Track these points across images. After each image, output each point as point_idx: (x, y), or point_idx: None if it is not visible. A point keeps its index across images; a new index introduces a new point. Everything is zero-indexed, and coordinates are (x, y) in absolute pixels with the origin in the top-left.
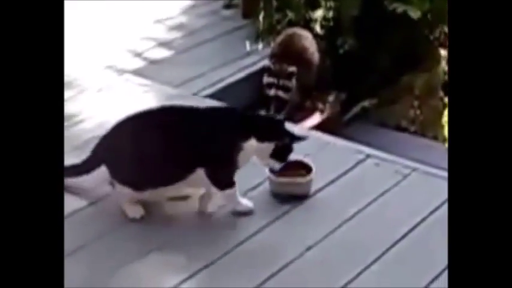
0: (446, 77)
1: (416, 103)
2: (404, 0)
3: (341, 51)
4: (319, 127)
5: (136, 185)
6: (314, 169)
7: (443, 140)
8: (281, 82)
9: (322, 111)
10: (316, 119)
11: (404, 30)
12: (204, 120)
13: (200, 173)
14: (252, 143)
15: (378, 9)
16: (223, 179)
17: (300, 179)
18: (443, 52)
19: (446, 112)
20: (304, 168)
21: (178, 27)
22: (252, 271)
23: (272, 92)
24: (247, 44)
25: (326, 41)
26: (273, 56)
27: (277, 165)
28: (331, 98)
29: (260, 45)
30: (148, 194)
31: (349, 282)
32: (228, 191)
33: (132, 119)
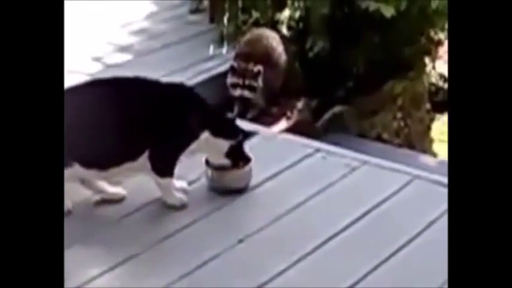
0: (432, 88)
1: (399, 114)
2: None
3: (311, 54)
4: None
5: (85, 162)
6: (252, 160)
7: (433, 155)
8: (246, 82)
9: (289, 118)
10: (282, 125)
11: (381, 31)
12: (160, 97)
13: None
14: (206, 135)
15: (350, 8)
16: (164, 165)
17: (236, 172)
18: (428, 60)
19: (434, 126)
20: (242, 160)
21: (141, 31)
22: (174, 264)
23: (237, 92)
24: (211, 47)
25: (294, 43)
26: (237, 56)
27: (230, 165)
28: (300, 105)
29: (224, 49)
30: (95, 174)
31: (275, 276)
32: (164, 180)
33: (78, 89)
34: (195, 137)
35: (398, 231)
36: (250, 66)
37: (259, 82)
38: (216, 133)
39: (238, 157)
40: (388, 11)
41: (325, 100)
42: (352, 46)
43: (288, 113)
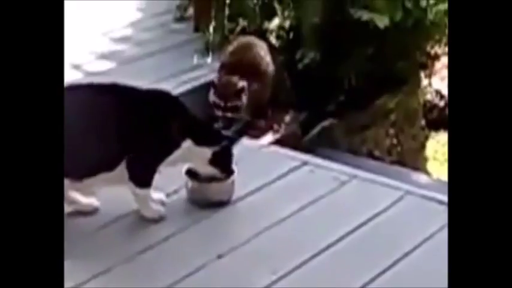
0: (427, 104)
1: (392, 130)
2: (371, 8)
3: (300, 65)
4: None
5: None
6: (235, 172)
7: (427, 174)
8: (228, 104)
9: (276, 131)
10: (268, 139)
11: (374, 43)
12: (138, 103)
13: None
14: (188, 144)
15: (342, 18)
16: (142, 174)
17: (218, 184)
18: (423, 74)
19: (428, 144)
20: (225, 169)
21: (124, 39)
22: (150, 279)
23: (219, 113)
24: (195, 57)
25: (283, 53)
26: (222, 67)
27: (218, 174)
28: (288, 118)
29: (209, 58)
30: (68, 185)
31: None
32: (141, 191)
33: None
34: (176, 145)
35: (389, 247)
36: (233, 82)
37: (243, 99)
38: (198, 141)
39: (223, 164)
40: (382, 22)
41: (314, 113)
42: (344, 58)
43: (275, 126)
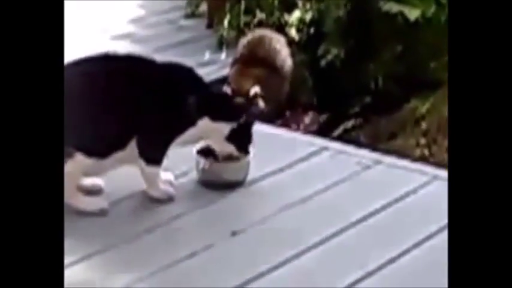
0: None
1: (423, 141)
2: (402, 1)
3: (323, 62)
4: None
5: (87, 150)
6: (251, 153)
7: None
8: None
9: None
10: None
11: (405, 40)
12: (153, 77)
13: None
14: (205, 122)
15: (369, 11)
16: (153, 151)
17: (233, 163)
18: None
19: None
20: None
21: (126, 36)
22: (159, 255)
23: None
24: (207, 53)
25: (304, 49)
26: (236, 61)
27: (234, 152)
28: (307, 119)
29: (223, 54)
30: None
31: (272, 269)
32: (150, 168)
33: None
34: (191, 123)
35: (409, 232)
36: (245, 88)
37: (259, 104)
38: (216, 117)
39: (240, 142)
40: (412, 14)
41: (336, 116)
42: (371, 55)
43: (293, 127)
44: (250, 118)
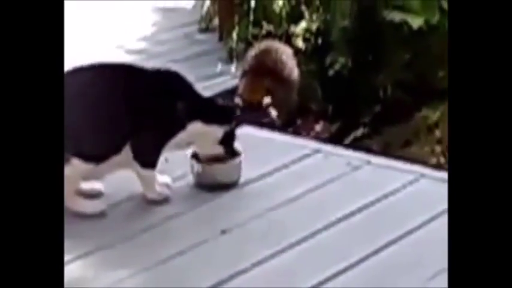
0: None
1: (439, 148)
2: (405, 9)
3: (331, 72)
4: None
5: (84, 155)
6: (242, 154)
7: None
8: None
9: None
10: None
11: (411, 48)
12: (144, 83)
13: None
14: (197, 125)
15: (373, 20)
16: (146, 154)
17: (226, 164)
18: None
19: None
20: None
21: (143, 51)
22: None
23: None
24: (219, 65)
25: (312, 59)
26: (244, 73)
27: (223, 155)
28: (317, 129)
29: (233, 66)
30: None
31: (257, 264)
32: (146, 171)
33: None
34: (181, 127)
35: (393, 226)
36: (256, 97)
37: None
38: (209, 120)
39: (231, 144)
40: (415, 22)
41: (347, 125)
42: (378, 64)
43: (304, 135)
44: (240, 121)
